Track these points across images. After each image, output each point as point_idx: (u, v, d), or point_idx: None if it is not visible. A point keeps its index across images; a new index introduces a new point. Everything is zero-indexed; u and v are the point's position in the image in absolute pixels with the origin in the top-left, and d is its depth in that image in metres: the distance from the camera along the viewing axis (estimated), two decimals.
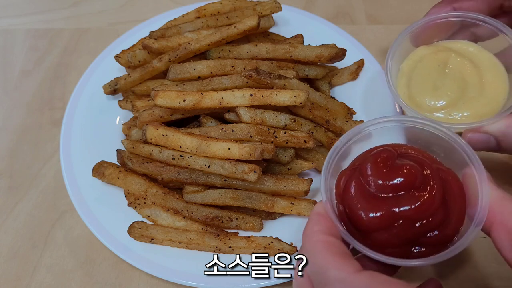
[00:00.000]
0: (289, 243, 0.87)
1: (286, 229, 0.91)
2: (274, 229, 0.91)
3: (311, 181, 0.91)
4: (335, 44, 1.04)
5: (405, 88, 0.92)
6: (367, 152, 0.75)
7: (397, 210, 0.66)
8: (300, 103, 0.89)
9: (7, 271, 0.93)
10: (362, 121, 1.01)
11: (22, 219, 0.99)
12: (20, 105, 1.17)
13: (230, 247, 0.87)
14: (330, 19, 1.23)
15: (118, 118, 1.07)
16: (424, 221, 0.66)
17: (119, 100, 1.07)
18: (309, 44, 1.03)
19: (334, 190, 0.74)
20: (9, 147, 1.10)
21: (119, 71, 1.11)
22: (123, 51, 1.08)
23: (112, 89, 1.05)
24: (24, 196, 1.02)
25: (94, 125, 1.05)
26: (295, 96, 0.88)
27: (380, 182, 0.68)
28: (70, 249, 0.95)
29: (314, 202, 0.90)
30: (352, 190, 0.70)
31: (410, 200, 0.66)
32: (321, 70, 1.03)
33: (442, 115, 0.88)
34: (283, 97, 0.89)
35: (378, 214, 0.66)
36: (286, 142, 0.90)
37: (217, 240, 0.88)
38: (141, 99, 1.02)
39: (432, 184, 0.67)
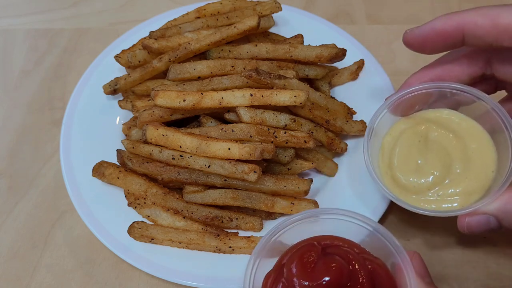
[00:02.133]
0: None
1: None
2: None
3: (311, 181, 0.91)
4: (335, 44, 1.04)
5: (387, 168, 0.86)
6: (291, 248, 0.72)
7: None
8: (300, 103, 0.89)
9: (7, 271, 0.93)
10: (362, 121, 1.01)
11: (22, 219, 0.99)
12: (20, 105, 1.17)
13: (230, 247, 0.87)
14: (330, 19, 1.23)
15: (118, 118, 1.07)
16: None
17: (119, 100, 1.07)
18: (309, 44, 1.03)
19: None
20: (9, 147, 1.10)
21: (119, 71, 1.11)
22: (123, 51, 1.08)
23: (112, 89, 1.05)
24: (24, 196, 1.03)
25: (94, 125, 1.05)
26: (295, 96, 0.88)
27: (306, 283, 0.65)
28: (70, 249, 0.95)
29: (314, 202, 0.90)
30: None
31: None
32: (321, 70, 1.03)
33: (432, 198, 0.81)
34: (283, 97, 0.89)
35: None
36: (286, 142, 0.90)
37: (217, 240, 0.88)
38: (141, 99, 1.02)
39: (360, 279, 0.65)
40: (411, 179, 0.83)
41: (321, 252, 0.69)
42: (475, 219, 0.76)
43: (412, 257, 0.70)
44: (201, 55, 1.03)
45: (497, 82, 0.88)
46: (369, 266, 0.68)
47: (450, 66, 0.85)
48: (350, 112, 1.03)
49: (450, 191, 0.80)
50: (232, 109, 0.92)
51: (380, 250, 0.72)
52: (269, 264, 0.73)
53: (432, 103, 0.89)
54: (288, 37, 1.11)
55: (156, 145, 0.91)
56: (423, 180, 0.82)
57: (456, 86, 0.84)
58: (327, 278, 0.64)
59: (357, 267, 0.67)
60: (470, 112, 0.86)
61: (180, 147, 0.88)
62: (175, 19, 1.12)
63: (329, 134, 0.97)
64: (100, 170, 0.94)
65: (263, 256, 0.73)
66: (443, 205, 0.80)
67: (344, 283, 0.65)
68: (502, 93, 0.91)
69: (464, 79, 0.85)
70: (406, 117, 0.90)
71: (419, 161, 0.84)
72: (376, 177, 0.83)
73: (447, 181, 0.81)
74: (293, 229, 0.75)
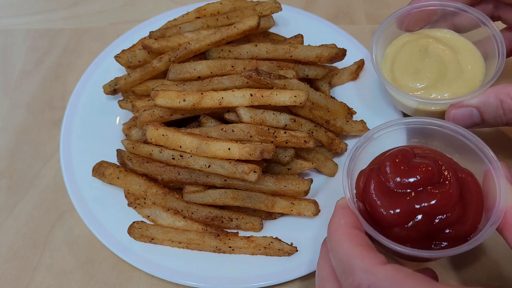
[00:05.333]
0: (289, 243, 0.87)
1: (286, 229, 0.91)
2: (274, 229, 0.91)
3: (311, 181, 0.91)
4: (335, 44, 1.05)
5: (389, 72, 0.97)
6: (384, 153, 0.77)
7: (416, 206, 0.68)
8: (300, 103, 0.89)
9: (7, 271, 0.93)
10: (362, 121, 1.01)
11: (22, 219, 0.99)
12: (20, 105, 1.17)
13: (230, 247, 0.87)
14: (330, 19, 1.23)
15: (118, 118, 1.07)
16: (443, 217, 0.68)
17: (119, 100, 1.07)
18: (309, 44, 1.04)
19: (354, 190, 0.76)
20: (9, 147, 1.10)
21: (119, 71, 1.11)
22: (123, 51, 1.08)
23: (112, 89, 1.05)
24: (24, 196, 1.02)
25: (94, 125, 1.05)
26: (295, 96, 0.88)
27: (399, 179, 0.71)
28: (70, 249, 0.95)
29: (314, 202, 0.90)
30: (372, 188, 0.72)
31: (428, 196, 0.69)
32: (321, 70, 1.03)
33: (422, 95, 0.92)
34: (283, 97, 0.89)
35: (398, 210, 0.69)
36: (286, 142, 0.90)
37: (217, 240, 0.88)
38: (141, 99, 1.02)
39: (449, 181, 0.70)
40: (408, 81, 0.93)
41: (413, 156, 0.74)
42: (460, 111, 0.86)
43: (502, 165, 0.73)
44: (201, 55, 1.03)
45: (494, 5, 0.97)
46: (458, 173, 0.72)
47: None
48: (350, 112, 1.03)
49: (440, 94, 0.91)
50: (232, 109, 0.92)
51: (468, 157, 0.77)
52: (363, 165, 0.80)
53: (435, 23, 1.00)
54: (288, 37, 1.11)
55: (156, 145, 0.91)
56: (419, 82, 0.93)
57: (459, 5, 0.94)
58: (419, 176, 0.70)
59: (446, 170, 0.71)
60: (470, 37, 0.96)
61: (180, 147, 0.88)
62: (175, 19, 1.12)
63: (329, 134, 0.97)
64: (100, 170, 0.94)
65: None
66: (431, 95, 0.91)
67: (434, 182, 0.70)
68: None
69: None
70: (409, 33, 1.01)
71: (417, 67, 0.94)
72: (379, 72, 0.93)
73: (439, 84, 0.91)
74: (383, 137, 0.82)
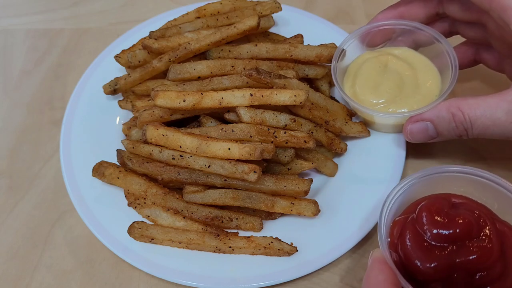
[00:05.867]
0: (289, 243, 0.87)
1: (286, 229, 0.91)
2: (274, 229, 0.91)
3: (311, 181, 0.91)
4: (335, 44, 1.05)
5: (351, 87, 1.00)
6: (419, 201, 0.75)
7: (454, 261, 0.66)
8: (300, 103, 0.89)
9: (7, 271, 0.93)
10: (361, 122, 1.01)
11: (22, 219, 0.99)
12: (20, 105, 1.17)
13: (230, 247, 0.87)
14: (330, 19, 1.23)
15: (118, 118, 1.07)
16: (483, 273, 0.66)
17: (119, 100, 1.07)
18: (309, 44, 1.04)
19: (388, 239, 0.74)
20: (9, 147, 1.10)
21: (119, 71, 1.11)
22: (123, 51, 1.08)
23: (112, 89, 1.05)
24: (24, 196, 1.02)
25: (94, 125, 1.06)
26: (295, 95, 0.88)
27: (436, 231, 0.68)
28: (70, 249, 0.95)
29: (314, 202, 0.90)
30: (408, 240, 0.70)
31: (467, 251, 0.66)
32: (321, 70, 1.03)
33: (381, 109, 0.96)
34: (283, 97, 0.89)
35: (435, 264, 0.67)
36: (286, 142, 0.90)
37: (217, 240, 0.88)
38: (141, 99, 1.02)
39: (489, 235, 0.67)
40: (369, 96, 0.97)
41: (450, 206, 0.71)
42: (415, 125, 0.89)
43: None
44: (201, 55, 1.03)
45: (451, 23, 1.02)
46: (497, 226, 0.70)
47: (410, 5, 1.01)
48: (349, 113, 1.03)
49: (398, 109, 0.95)
50: (232, 109, 0.92)
51: (508, 210, 0.74)
52: (397, 213, 0.78)
53: (395, 39, 1.06)
54: (288, 37, 1.11)
55: (156, 145, 0.91)
56: (378, 98, 0.97)
57: (415, 24, 1.00)
58: (457, 229, 0.67)
59: (485, 223, 0.68)
60: (426, 53, 1.02)
61: (180, 147, 0.88)
62: (175, 19, 1.12)
63: (329, 134, 0.97)
64: (100, 170, 0.94)
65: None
66: (390, 110, 0.95)
67: (473, 236, 0.67)
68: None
69: (422, 17, 1.01)
70: (371, 50, 1.06)
71: (377, 82, 0.98)
72: (341, 90, 0.97)
73: (398, 99, 0.96)
74: (418, 185, 0.79)
